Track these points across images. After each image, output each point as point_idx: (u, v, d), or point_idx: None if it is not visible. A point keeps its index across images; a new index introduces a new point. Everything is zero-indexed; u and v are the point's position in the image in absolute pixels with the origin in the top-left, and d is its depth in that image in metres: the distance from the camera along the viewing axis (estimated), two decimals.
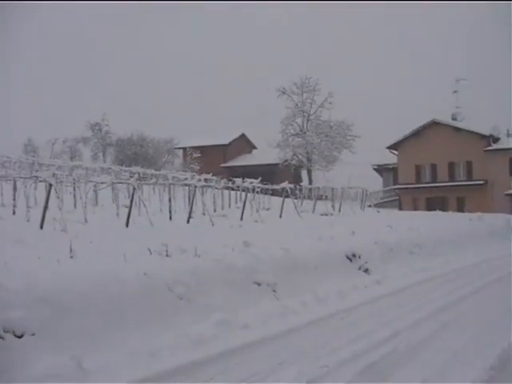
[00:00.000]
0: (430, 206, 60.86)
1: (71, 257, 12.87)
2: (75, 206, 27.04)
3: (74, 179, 27.69)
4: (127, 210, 23.50)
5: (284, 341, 10.95)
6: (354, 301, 14.97)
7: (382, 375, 8.93)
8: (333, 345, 10.52)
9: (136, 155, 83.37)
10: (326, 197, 51.11)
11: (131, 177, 30.55)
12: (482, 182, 62.13)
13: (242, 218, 29.18)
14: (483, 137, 63.19)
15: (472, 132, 63.61)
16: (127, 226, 22.30)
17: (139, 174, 38.98)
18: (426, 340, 11.10)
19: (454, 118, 69.66)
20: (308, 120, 77.59)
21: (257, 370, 9.07)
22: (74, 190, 28.47)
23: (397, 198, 69.49)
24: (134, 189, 24.93)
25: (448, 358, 9.87)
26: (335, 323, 12.56)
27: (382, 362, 9.58)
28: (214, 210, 32.55)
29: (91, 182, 28.14)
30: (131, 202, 24.30)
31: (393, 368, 9.29)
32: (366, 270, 19.30)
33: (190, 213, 26.48)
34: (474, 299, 15.94)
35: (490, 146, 62.97)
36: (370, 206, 52.39)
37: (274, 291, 14.37)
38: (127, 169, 45.46)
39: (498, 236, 36.34)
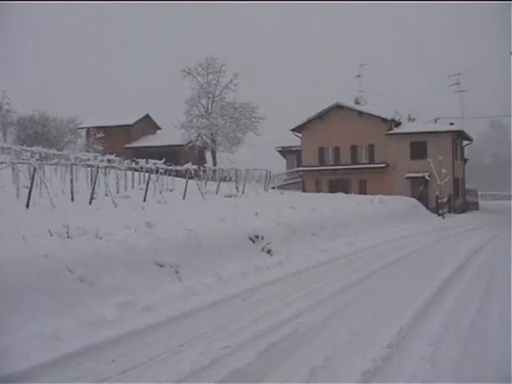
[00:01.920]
0: (333, 188, 61.63)
1: None
2: None
3: None
4: (28, 190, 22.98)
5: (186, 322, 10.95)
6: (256, 282, 15.07)
7: (284, 355, 9.05)
8: (235, 326, 10.59)
9: (38, 135, 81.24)
10: (230, 178, 51.16)
11: (32, 157, 29.85)
12: (383, 165, 63.12)
13: (145, 200, 28.94)
14: (385, 121, 64.02)
15: (374, 116, 64.44)
16: (27, 207, 21.83)
17: (41, 154, 38.17)
18: (327, 320, 11.29)
19: (357, 102, 70.47)
20: (213, 101, 77.32)
21: (159, 352, 9.05)
22: None
23: (300, 179, 69.95)
24: (35, 169, 24.41)
25: (348, 336, 10.08)
26: (237, 304, 12.62)
27: (284, 341, 9.70)
28: (117, 191, 32.13)
29: None
30: (32, 182, 23.77)
31: (294, 347, 9.42)
32: (269, 251, 19.46)
33: (93, 194, 26.11)
34: (374, 280, 16.29)
35: (391, 130, 64.01)
36: (273, 187, 52.70)
37: (177, 272, 14.35)
38: (28, 149, 44.28)
39: (397, 218, 37.26)
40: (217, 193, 39.57)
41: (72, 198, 25.56)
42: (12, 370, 7.97)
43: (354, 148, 66.15)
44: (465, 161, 70.93)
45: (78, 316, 10.27)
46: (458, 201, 62.57)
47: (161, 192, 31.60)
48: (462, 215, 55.53)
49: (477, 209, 68.93)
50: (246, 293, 13.73)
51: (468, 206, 66.38)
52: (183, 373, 8.16)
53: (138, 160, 37.67)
